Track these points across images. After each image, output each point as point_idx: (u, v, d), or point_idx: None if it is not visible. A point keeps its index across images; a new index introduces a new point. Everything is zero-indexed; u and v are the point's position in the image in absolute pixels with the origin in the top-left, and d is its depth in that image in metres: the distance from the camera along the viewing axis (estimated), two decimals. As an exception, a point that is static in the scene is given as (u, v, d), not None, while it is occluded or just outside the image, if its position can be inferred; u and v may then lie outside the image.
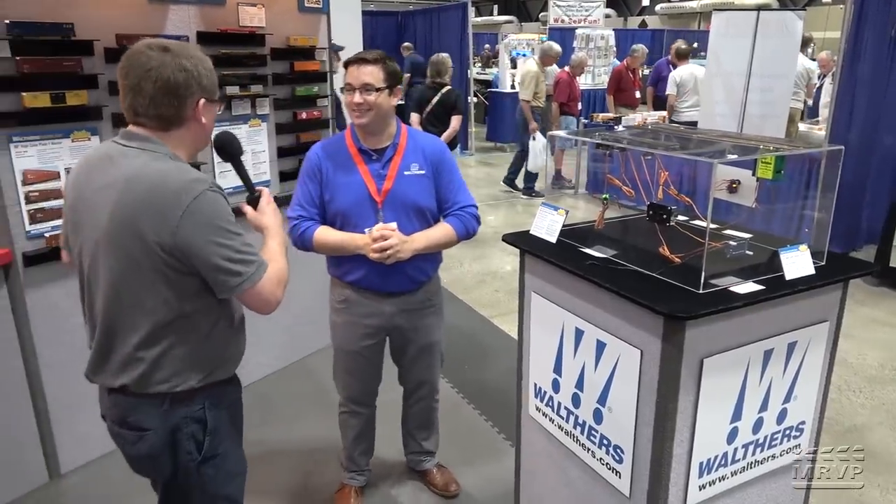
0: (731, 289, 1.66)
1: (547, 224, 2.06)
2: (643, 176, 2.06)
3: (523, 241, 2.09)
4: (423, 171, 2.26)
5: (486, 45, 18.50)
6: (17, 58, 2.48)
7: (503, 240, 2.15)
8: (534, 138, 7.37)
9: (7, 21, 2.44)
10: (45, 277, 2.71)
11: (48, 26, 2.56)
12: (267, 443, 3.12)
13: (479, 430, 3.29)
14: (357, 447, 2.67)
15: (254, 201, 1.74)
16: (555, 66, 8.30)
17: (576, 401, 1.95)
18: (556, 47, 7.99)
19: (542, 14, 22.30)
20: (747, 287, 1.67)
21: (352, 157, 2.24)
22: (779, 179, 1.72)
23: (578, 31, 11.76)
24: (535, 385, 2.14)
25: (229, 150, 1.79)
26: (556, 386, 2.03)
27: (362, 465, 2.73)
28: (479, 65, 17.20)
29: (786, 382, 1.82)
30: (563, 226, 2.07)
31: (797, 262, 1.73)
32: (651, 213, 1.83)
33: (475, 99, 11.45)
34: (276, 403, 3.47)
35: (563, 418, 2.02)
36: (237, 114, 3.31)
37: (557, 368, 2.01)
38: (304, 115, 3.64)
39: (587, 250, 1.96)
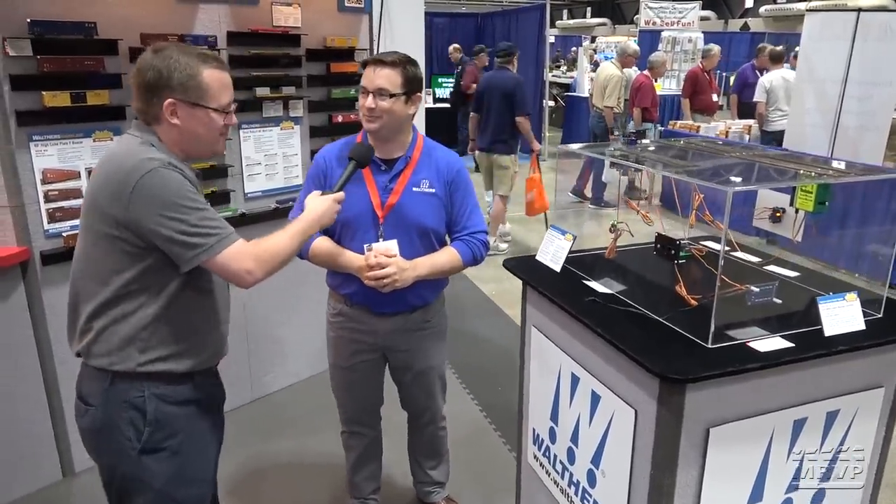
0: (750, 344, 1.37)
1: (553, 250, 1.82)
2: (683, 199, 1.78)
3: (525, 268, 1.85)
4: (433, 190, 2.07)
5: (573, 48, 18.04)
6: (38, 56, 2.47)
7: (503, 265, 1.92)
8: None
9: (29, 20, 2.44)
10: (62, 276, 2.69)
11: (70, 25, 2.54)
12: (277, 455, 3.03)
13: (501, 459, 3.06)
14: (359, 472, 2.50)
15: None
16: (634, 69, 7.85)
17: (571, 456, 1.70)
18: (634, 46, 7.55)
19: (636, 17, 21.53)
20: (772, 343, 1.37)
21: None
22: (822, 212, 1.40)
23: (664, 34, 11.18)
24: (534, 431, 1.90)
25: (357, 158, 1.91)
26: (552, 436, 1.79)
27: (366, 492, 2.56)
28: (565, 67, 16.78)
29: (823, 459, 1.50)
30: (574, 252, 1.82)
31: (841, 315, 1.41)
32: (658, 246, 1.55)
33: (552, 103, 11.10)
34: (294, 415, 3.36)
35: (558, 473, 1.77)
36: (268, 115, 3.22)
37: (554, 416, 1.76)
38: (340, 119, 3.52)
39: (592, 283, 1.70)
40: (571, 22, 29.01)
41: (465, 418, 3.35)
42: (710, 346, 1.35)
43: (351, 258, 2.03)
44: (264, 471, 2.93)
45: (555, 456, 1.78)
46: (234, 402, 3.36)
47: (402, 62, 1.98)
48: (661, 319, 1.48)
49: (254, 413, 3.36)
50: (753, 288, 1.44)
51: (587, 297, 1.61)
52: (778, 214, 1.70)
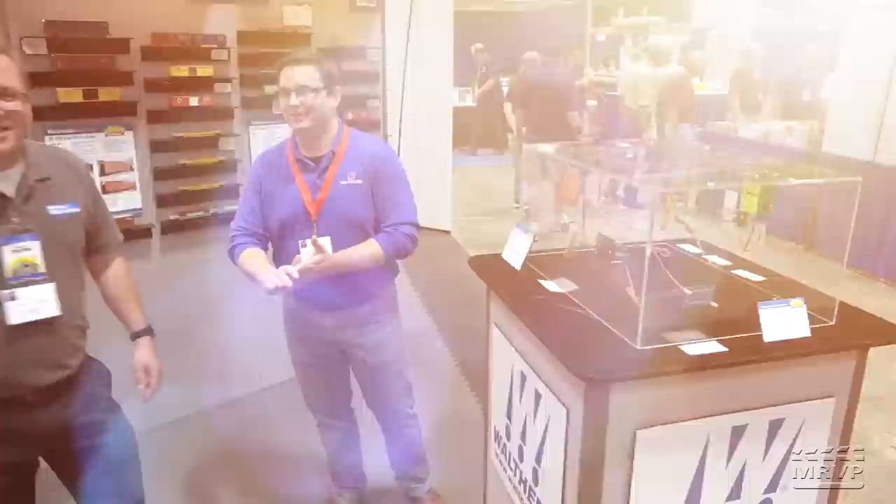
0: (682, 347, 1.34)
1: (516, 248, 1.82)
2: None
3: (489, 266, 1.86)
4: (360, 181, 2.05)
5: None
6: (53, 55, 2.61)
7: (469, 263, 1.93)
8: None
9: (44, 20, 2.57)
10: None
11: (83, 25, 2.67)
12: (275, 445, 3.09)
13: (495, 459, 3.06)
14: (338, 462, 2.55)
15: None
16: (671, 67, 7.66)
17: (520, 454, 1.70)
18: (666, 44, 7.39)
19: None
20: (704, 347, 1.34)
21: (290, 167, 2.09)
22: (766, 215, 1.37)
23: (709, 32, 10.86)
24: (495, 428, 1.91)
25: None
26: (508, 433, 1.79)
27: (348, 483, 2.61)
28: (615, 67, 16.46)
29: (768, 468, 1.46)
30: (538, 252, 1.82)
31: (783, 321, 1.37)
32: (597, 246, 1.54)
33: (595, 102, 10.93)
34: (301, 405, 3.43)
35: (512, 471, 1.78)
36: (278, 113, 3.29)
37: (509, 413, 1.77)
38: (350, 117, 3.57)
39: (547, 283, 1.70)
40: (627, 20, 28.44)
41: (467, 417, 3.35)
42: (638, 346, 1.34)
43: (259, 272, 1.94)
44: (260, 458, 3.01)
45: (510, 453, 1.79)
46: (242, 391, 3.46)
47: (317, 58, 2.02)
48: (600, 319, 1.47)
49: (261, 402, 3.45)
50: (686, 290, 1.41)
51: (537, 297, 1.61)
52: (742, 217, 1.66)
